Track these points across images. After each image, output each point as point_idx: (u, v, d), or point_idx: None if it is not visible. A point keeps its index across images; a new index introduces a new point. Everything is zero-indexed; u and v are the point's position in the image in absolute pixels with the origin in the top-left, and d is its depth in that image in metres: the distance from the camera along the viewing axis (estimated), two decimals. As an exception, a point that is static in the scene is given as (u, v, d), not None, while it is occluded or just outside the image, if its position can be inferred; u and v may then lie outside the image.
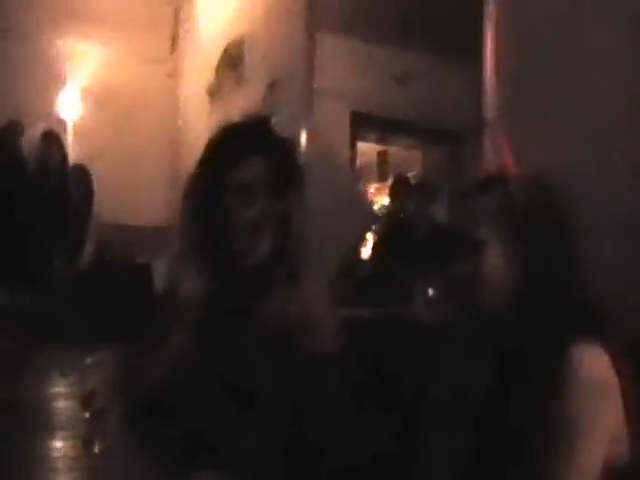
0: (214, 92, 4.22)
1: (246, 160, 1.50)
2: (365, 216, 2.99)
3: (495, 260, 1.17)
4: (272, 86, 3.39)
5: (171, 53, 5.44)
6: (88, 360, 1.32)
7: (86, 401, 1.30)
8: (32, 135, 4.44)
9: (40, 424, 1.59)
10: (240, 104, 3.80)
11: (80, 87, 5.11)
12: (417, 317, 2.84)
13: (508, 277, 1.16)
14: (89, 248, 3.74)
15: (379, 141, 5.58)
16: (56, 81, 5.01)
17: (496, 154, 1.94)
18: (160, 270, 3.87)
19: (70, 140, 4.81)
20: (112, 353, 1.38)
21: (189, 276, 1.50)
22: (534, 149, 1.79)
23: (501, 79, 1.93)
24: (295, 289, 1.42)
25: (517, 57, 1.89)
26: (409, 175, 4.76)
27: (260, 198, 1.49)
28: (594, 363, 1.01)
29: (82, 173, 4.14)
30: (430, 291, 3.31)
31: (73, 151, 4.64)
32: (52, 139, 4.40)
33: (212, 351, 1.46)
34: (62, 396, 1.60)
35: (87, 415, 1.30)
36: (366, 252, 4.28)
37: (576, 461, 0.97)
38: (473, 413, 1.20)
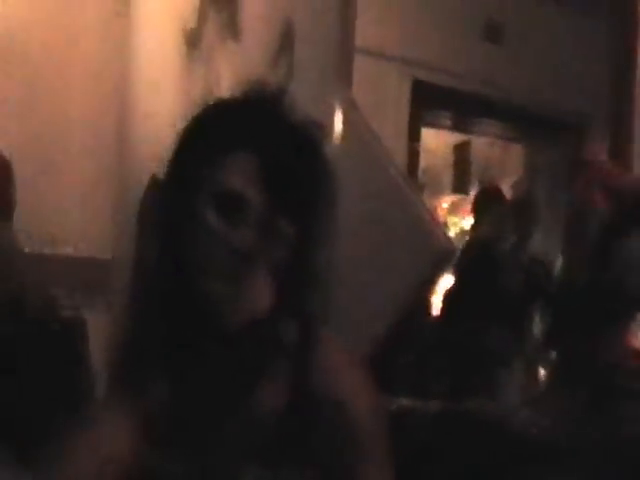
0: (194, 43, 4.25)
1: (239, 155, 1.52)
2: (434, 248, 2.97)
3: None
4: (286, 38, 3.42)
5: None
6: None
7: None
8: None
9: None
10: (236, 63, 3.83)
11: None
12: (513, 420, 2.79)
13: None
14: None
15: (456, 127, 5.58)
16: None
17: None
18: (98, 330, 3.88)
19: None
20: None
21: (143, 346, 1.51)
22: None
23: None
24: (312, 364, 1.45)
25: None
26: (506, 182, 4.77)
27: (258, 215, 1.50)
28: None
29: None
30: (542, 372, 3.27)
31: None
32: None
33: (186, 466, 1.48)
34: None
35: None
36: (434, 306, 4.28)
37: None
38: None
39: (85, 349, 3.76)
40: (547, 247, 4.37)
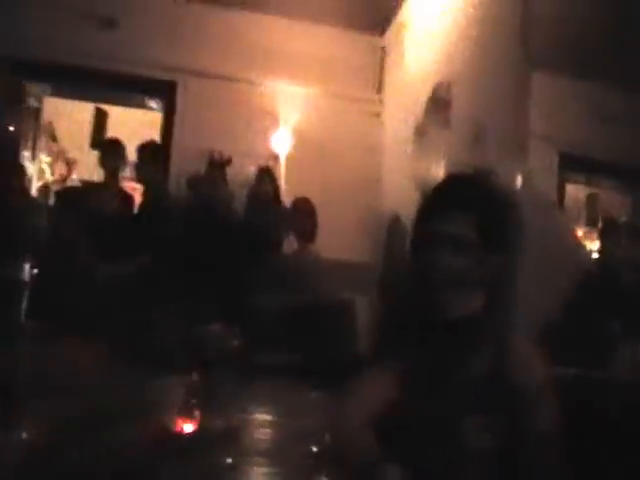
0: (421, 133, 4.27)
1: (463, 213, 1.51)
2: (579, 262, 2.81)
3: None
4: (481, 129, 3.35)
5: (377, 93, 5.65)
6: (313, 395, 1.39)
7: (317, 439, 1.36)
8: (248, 171, 4.87)
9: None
10: (447, 147, 3.80)
11: (290, 126, 5.67)
12: (621, 380, 2.58)
13: None
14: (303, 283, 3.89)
15: (587, 183, 5.32)
16: (270, 121, 5.58)
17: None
18: (362, 308, 3.97)
19: (283, 176, 5.23)
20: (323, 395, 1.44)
21: (388, 321, 1.53)
22: None
23: None
24: (508, 348, 1.39)
25: None
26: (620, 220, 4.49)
27: (472, 250, 1.49)
28: None
29: (304, 209, 4.31)
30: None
31: (285, 186, 5.05)
32: (267, 174, 4.72)
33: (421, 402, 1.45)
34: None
35: (314, 449, 1.36)
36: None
37: None
38: None
39: (354, 322, 3.83)
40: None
